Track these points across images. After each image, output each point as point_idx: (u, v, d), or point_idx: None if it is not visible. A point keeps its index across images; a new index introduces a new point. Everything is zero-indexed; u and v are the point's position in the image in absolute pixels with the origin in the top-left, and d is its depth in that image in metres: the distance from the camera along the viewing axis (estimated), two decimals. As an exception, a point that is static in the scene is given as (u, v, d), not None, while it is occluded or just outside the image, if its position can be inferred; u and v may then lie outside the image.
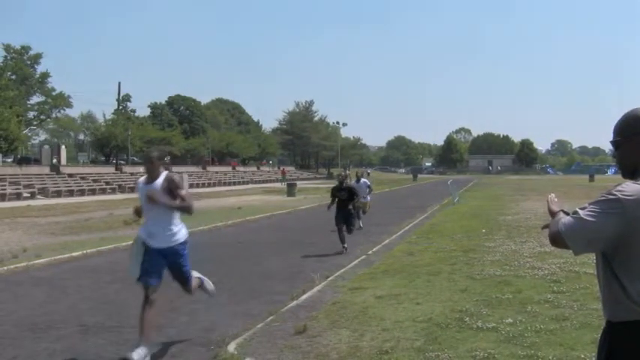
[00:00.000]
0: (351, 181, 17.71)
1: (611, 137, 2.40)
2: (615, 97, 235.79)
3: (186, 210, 5.68)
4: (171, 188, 5.63)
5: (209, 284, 6.43)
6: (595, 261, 2.35)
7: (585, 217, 2.16)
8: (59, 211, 24.22)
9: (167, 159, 5.94)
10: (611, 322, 2.23)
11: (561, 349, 5.27)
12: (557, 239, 2.25)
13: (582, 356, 5.03)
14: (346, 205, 12.95)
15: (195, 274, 6.21)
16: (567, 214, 2.35)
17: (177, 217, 5.78)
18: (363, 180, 17.90)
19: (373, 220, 18.63)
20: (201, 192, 41.92)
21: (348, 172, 35.52)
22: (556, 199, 2.59)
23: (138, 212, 5.90)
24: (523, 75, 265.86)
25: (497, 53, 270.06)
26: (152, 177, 5.68)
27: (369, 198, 17.57)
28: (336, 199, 13.14)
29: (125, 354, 5.29)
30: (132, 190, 42.83)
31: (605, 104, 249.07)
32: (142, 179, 5.86)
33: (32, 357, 5.65)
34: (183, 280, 5.91)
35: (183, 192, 5.65)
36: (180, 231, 5.81)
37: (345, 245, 12.56)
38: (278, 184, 57.43)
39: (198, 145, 77.66)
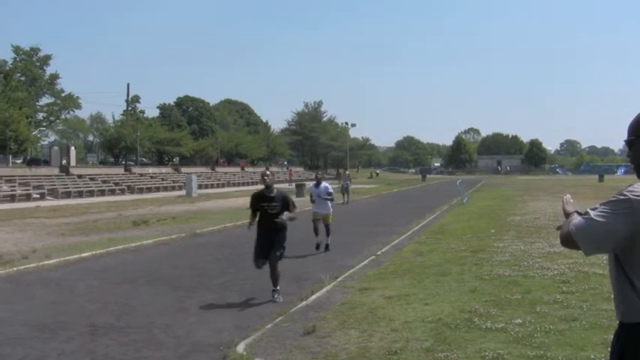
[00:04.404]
0: (323, 183, 13.96)
1: (622, 136, 2.38)
2: (625, 97, 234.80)
3: None
4: None
5: None
6: (607, 261, 2.33)
7: (596, 218, 2.14)
8: (68, 212, 24.32)
9: None
10: (624, 323, 2.21)
11: (571, 349, 5.25)
12: (568, 240, 2.24)
13: (592, 357, 5.00)
14: (273, 221, 8.24)
15: None
16: (581, 214, 2.33)
17: None
18: (323, 184, 13.91)
19: (381, 221, 18.60)
20: (210, 192, 42.03)
21: (347, 172, 33.44)
22: (572, 200, 2.57)
23: None
24: (530, 74, 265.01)
25: (504, 53, 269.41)
26: None
27: (330, 209, 13.59)
28: (259, 214, 8.61)
29: None
30: (141, 191, 43.05)
31: (614, 104, 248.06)
32: None
33: (41, 357, 5.67)
34: None
35: None
36: None
37: (278, 288, 8.15)
38: (286, 185, 57.55)
39: (207, 145, 77.89)
